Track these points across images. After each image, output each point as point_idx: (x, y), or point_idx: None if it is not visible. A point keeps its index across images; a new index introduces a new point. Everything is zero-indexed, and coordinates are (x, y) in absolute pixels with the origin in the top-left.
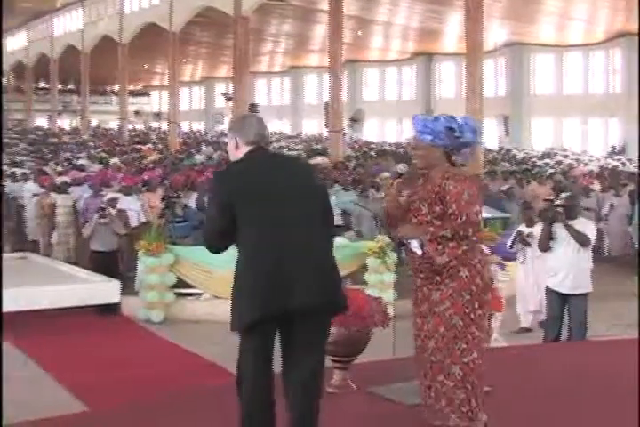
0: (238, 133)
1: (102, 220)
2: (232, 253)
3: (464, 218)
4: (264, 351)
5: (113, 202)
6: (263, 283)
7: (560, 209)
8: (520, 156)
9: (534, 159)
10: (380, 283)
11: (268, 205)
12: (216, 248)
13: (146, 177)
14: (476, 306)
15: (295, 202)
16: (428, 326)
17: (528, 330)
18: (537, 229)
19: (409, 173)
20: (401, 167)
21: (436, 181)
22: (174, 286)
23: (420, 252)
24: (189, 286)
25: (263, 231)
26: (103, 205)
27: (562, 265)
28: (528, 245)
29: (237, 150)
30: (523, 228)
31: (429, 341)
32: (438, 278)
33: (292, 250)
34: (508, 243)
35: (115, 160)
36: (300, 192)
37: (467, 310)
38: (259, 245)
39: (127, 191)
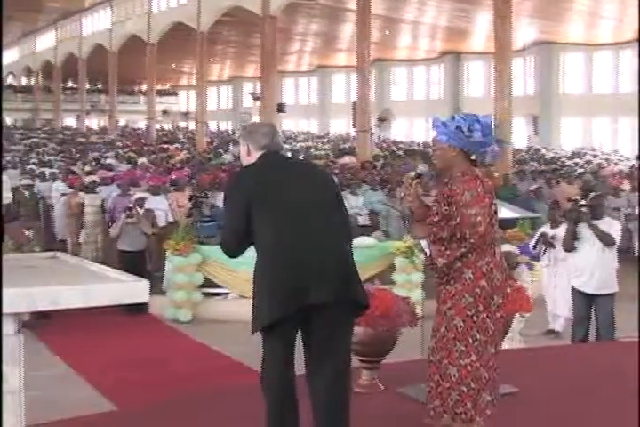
0: (250, 140)
1: (129, 219)
2: (255, 253)
3: (457, 219)
4: (284, 352)
5: (141, 201)
6: (280, 284)
7: (585, 209)
8: (549, 155)
9: (563, 159)
10: (408, 283)
11: (283, 206)
12: (232, 250)
13: (174, 176)
14: (480, 309)
15: (310, 202)
16: (455, 330)
17: (556, 333)
18: (561, 230)
19: (430, 173)
20: (421, 168)
21: (446, 182)
22: (202, 286)
23: (428, 251)
24: (217, 286)
25: (279, 232)
26: (130, 205)
27: (587, 265)
28: (552, 246)
29: (249, 156)
30: (547, 229)
31: (457, 344)
32: (446, 278)
33: (307, 250)
34: (531, 244)
35: (143, 160)
36: (313, 193)
37: (469, 313)
38: (275, 247)
39: (155, 191)
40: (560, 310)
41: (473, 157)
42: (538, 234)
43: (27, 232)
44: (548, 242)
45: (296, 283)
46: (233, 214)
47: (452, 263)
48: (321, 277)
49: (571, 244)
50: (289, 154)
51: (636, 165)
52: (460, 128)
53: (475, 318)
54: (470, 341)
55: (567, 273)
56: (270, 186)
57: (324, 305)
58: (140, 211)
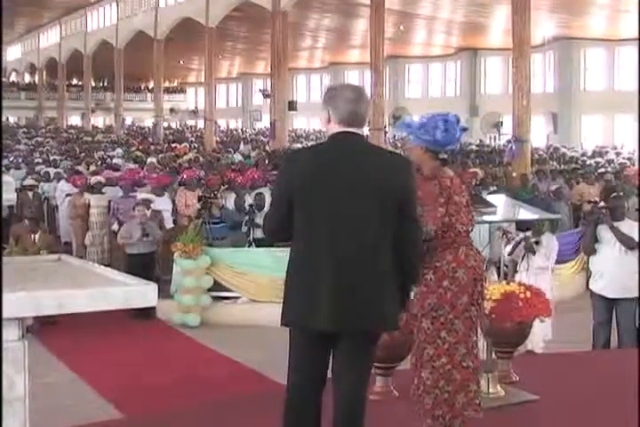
0: (331, 107)
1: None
2: (269, 256)
3: (426, 225)
4: (298, 360)
5: (147, 202)
6: (292, 294)
7: (605, 211)
8: (569, 154)
9: (584, 158)
10: None
11: (324, 205)
12: (272, 235)
13: (185, 176)
14: (448, 309)
15: (354, 204)
16: (456, 334)
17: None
18: (547, 237)
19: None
20: None
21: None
22: (211, 289)
23: None
24: (226, 289)
25: (312, 234)
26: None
27: (607, 268)
28: (532, 252)
29: (328, 125)
30: (529, 232)
31: (459, 348)
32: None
33: (331, 264)
34: (508, 248)
35: (152, 159)
36: (363, 193)
37: (434, 314)
38: (305, 251)
39: (159, 192)
40: (536, 328)
41: (443, 156)
42: (518, 238)
43: (33, 235)
44: (529, 247)
45: (302, 302)
46: (274, 198)
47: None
48: (333, 301)
49: (591, 247)
50: None
51: None
52: (424, 127)
53: (442, 320)
54: (440, 343)
55: (548, 284)
56: (319, 180)
57: (328, 331)
58: (147, 212)
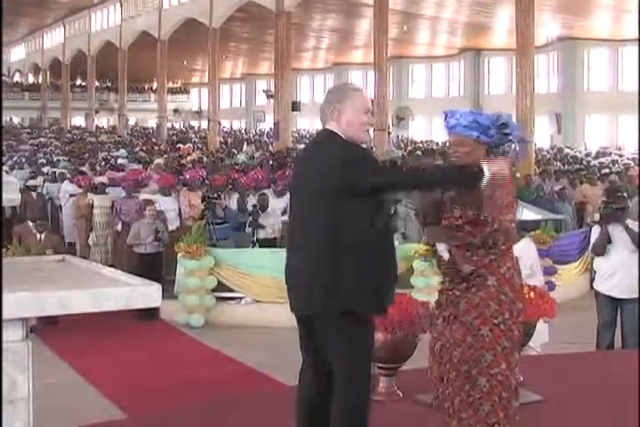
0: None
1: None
2: (273, 256)
3: (495, 226)
4: (303, 351)
5: (149, 203)
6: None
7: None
8: (572, 154)
9: (589, 158)
10: (427, 286)
11: (292, 198)
12: None
13: (187, 176)
14: (507, 316)
15: (302, 197)
16: (453, 335)
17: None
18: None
19: None
20: None
21: None
22: (214, 290)
23: (446, 256)
24: (230, 290)
25: (289, 226)
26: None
27: (617, 268)
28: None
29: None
30: None
31: (455, 350)
32: (465, 285)
33: (291, 250)
34: None
35: (159, 160)
36: (306, 180)
37: (495, 321)
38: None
39: (166, 192)
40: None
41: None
42: None
43: (38, 235)
44: None
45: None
46: None
47: (475, 270)
48: (290, 283)
49: (604, 248)
50: None
51: None
52: (477, 121)
53: (502, 327)
54: (499, 349)
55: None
56: (294, 176)
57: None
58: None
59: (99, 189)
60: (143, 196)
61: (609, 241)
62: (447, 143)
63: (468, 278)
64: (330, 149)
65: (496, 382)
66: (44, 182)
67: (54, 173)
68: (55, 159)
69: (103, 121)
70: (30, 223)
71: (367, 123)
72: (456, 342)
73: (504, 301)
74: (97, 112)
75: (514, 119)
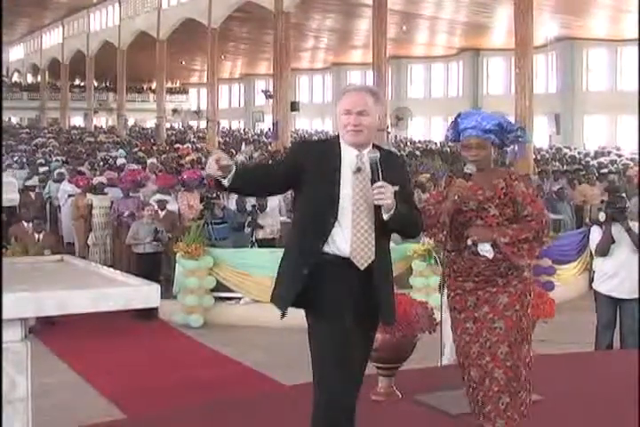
0: None
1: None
2: (272, 256)
3: (543, 220)
4: None
5: (162, 204)
6: None
7: (610, 211)
8: (571, 154)
9: (587, 158)
10: (426, 287)
11: None
12: None
13: (185, 176)
14: (517, 308)
15: None
16: (497, 331)
17: None
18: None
19: (443, 173)
20: (470, 167)
21: (498, 181)
22: (213, 290)
23: (490, 255)
24: (229, 290)
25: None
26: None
27: (619, 268)
28: None
29: None
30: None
31: (500, 347)
32: (503, 281)
33: None
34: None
35: (152, 160)
36: None
37: (529, 311)
38: None
39: (165, 192)
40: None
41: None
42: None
43: (37, 235)
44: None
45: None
46: None
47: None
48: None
49: (608, 248)
50: None
51: None
52: (501, 126)
53: (514, 318)
54: (529, 339)
55: None
56: None
57: None
58: (162, 213)
59: (97, 190)
60: (155, 197)
61: (612, 241)
62: (462, 144)
63: (506, 273)
64: None
65: (512, 373)
66: (40, 182)
67: (53, 172)
68: (54, 159)
69: (102, 121)
70: (25, 223)
71: (348, 124)
72: (500, 339)
73: (531, 293)
74: (96, 112)
75: (512, 119)
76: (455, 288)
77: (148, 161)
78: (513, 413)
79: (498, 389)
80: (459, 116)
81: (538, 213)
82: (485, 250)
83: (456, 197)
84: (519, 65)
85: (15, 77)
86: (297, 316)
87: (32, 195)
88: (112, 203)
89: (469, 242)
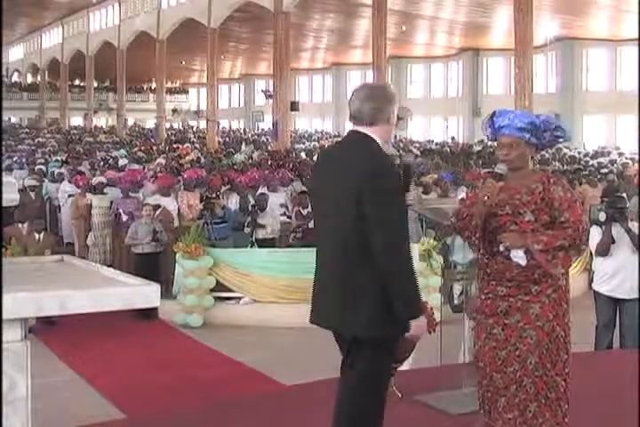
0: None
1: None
2: (272, 256)
3: (580, 228)
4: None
5: (157, 207)
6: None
7: (610, 211)
8: (571, 154)
9: (587, 158)
10: (426, 287)
11: (317, 208)
12: None
13: (185, 176)
14: (551, 317)
15: (331, 206)
16: (528, 341)
17: None
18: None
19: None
20: (501, 167)
21: (536, 186)
22: (213, 290)
23: (524, 262)
24: (229, 290)
25: (315, 235)
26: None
27: (619, 269)
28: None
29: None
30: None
31: (530, 357)
32: (537, 289)
33: (321, 261)
34: None
35: (160, 160)
36: (335, 195)
37: (565, 320)
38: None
39: (165, 192)
40: None
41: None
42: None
43: (36, 235)
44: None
45: (313, 294)
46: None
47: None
48: (317, 299)
49: (608, 249)
50: (303, 154)
51: None
52: (535, 124)
53: (569, 325)
54: (569, 348)
55: None
56: (316, 182)
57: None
58: (156, 213)
59: (97, 190)
60: (149, 199)
61: (612, 241)
62: (496, 144)
63: (540, 281)
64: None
65: (542, 383)
66: (38, 182)
67: (52, 173)
68: (54, 159)
69: (102, 121)
70: (20, 224)
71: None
72: (530, 349)
73: (568, 300)
74: (95, 112)
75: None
76: (488, 292)
77: (156, 161)
78: (545, 422)
79: (525, 397)
80: (494, 114)
81: (575, 219)
82: (519, 257)
83: (486, 198)
84: (519, 65)
85: (15, 77)
86: (297, 316)
87: (32, 195)
88: (111, 203)
89: (502, 248)
